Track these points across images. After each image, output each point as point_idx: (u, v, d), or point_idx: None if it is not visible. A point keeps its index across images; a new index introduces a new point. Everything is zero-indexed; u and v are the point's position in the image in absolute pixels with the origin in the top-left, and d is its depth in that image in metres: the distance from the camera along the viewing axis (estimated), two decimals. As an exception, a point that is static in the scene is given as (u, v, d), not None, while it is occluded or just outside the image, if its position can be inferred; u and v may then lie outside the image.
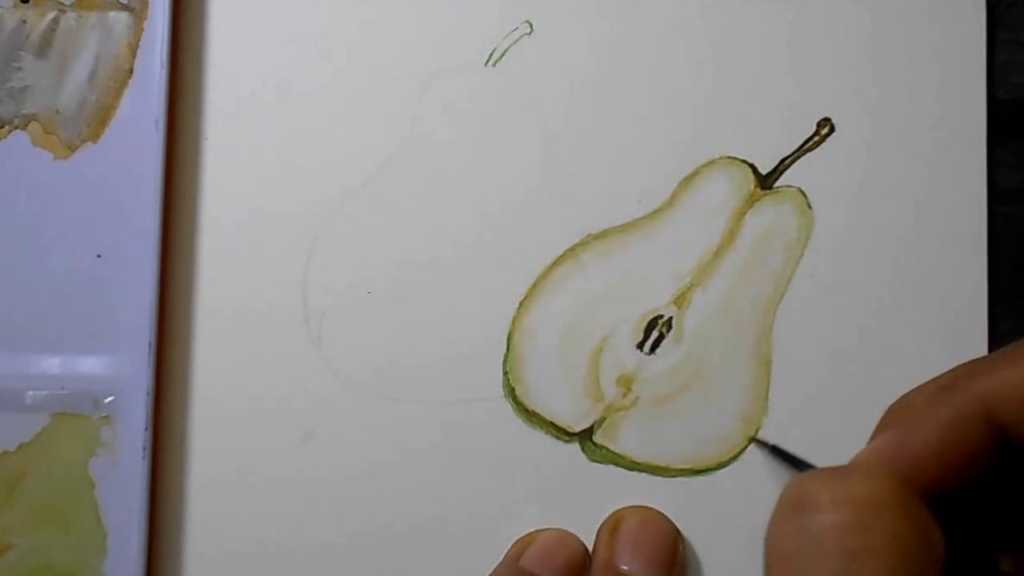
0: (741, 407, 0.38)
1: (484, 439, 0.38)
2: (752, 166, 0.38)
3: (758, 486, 0.37)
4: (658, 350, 0.38)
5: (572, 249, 0.38)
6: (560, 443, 0.38)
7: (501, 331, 0.38)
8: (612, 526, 0.36)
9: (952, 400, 0.21)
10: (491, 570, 0.36)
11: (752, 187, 0.38)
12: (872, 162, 0.38)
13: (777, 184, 0.38)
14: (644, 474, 0.38)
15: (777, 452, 0.24)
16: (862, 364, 0.38)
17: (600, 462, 0.38)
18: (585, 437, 0.38)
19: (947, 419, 0.21)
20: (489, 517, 0.38)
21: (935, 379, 0.23)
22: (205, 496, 0.38)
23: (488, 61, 0.39)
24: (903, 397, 0.23)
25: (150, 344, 0.37)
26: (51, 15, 0.38)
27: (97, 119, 0.38)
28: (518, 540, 0.37)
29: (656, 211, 0.38)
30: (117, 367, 0.37)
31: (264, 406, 0.38)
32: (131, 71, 0.38)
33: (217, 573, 0.38)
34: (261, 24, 0.39)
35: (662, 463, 0.38)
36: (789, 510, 0.20)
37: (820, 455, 0.28)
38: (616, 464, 0.38)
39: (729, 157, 0.38)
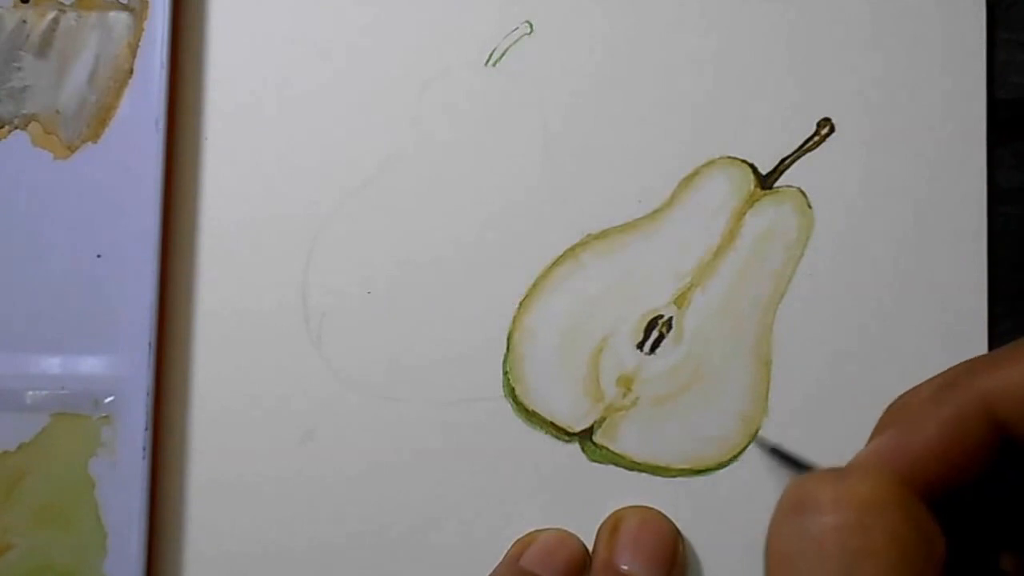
0: (741, 407, 0.38)
1: (484, 439, 0.38)
2: (752, 166, 0.38)
3: (758, 486, 0.37)
4: (658, 350, 0.38)
5: (572, 249, 0.38)
6: (560, 443, 0.38)
7: (501, 331, 0.38)
8: (612, 526, 0.36)
9: (953, 398, 0.21)
10: (491, 570, 0.36)
11: (752, 187, 0.38)
12: (872, 162, 0.38)
13: (777, 184, 0.38)
14: (644, 474, 0.38)
15: (777, 453, 0.24)
16: (862, 364, 0.38)
17: (600, 462, 0.38)
18: (585, 437, 0.38)
19: (948, 417, 0.21)
20: (489, 517, 0.38)
21: (935, 378, 0.23)
22: (205, 496, 0.38)
23: (488, 61, 0.39)
24: (902, 396, 0.23)
25: (150, 344, 0.37)
26: (51, 15, 0.38)
27: (97, 119, 0.38)
28: (518, 540, 0.37)
29: (656, 211, 0.38)
30: (117, 367, 0.37)
31: (264, 406, 0.38)
32: (131, 71, 0.38)
33: (217, 573, 0.38)
34: (261, 24, 0.39)
35: (662, 463, 0.38)
36: (789, 511, 0.20)
37: (820, 455, 0.28)
38: (616, 464, 0.38)
39: (729, 157, 0.38)
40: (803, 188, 0.38)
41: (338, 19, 0.39)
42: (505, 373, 0.38)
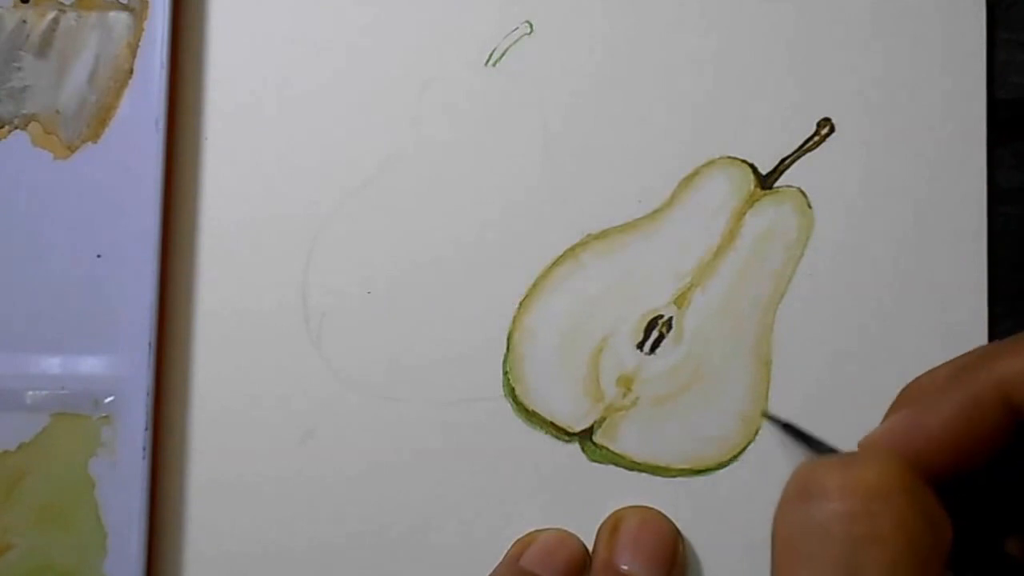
0: (741, 407, 0.38)
1: (484, 439, 0.38)
2: (752, 166, 0.38)
3: (758, 486, 0.37)
4: (658, 350, 0.38)
5: (572, 249, 0.38)
6: (560, 443, 0.38)
7: (501, 331, 0.38)
8: (612, 526, 0.36)
9: (969, 382, 0.21)
10: (491, 570, 0.36)
11: (752, 187, 0.38)
12: (872, 162, 0.38)
13: (777, 184, 0.38)
14: (644, 474, 0.38)
15: (790, 429, 0.24)
16: (862, 364, 0.38)
17: (600, 462, 0.38)
18: (585, 437, 0.38)
19: (963, 400, 0.21)
20: (489, 517, 0.38)
21: (951, 361, 0.23)
22: (205, 496, 0.38)
23: (488, 61, 0.39)
24: (918, 378, 0.23)
25: (150, 344, 0.37)
26: (51, 15, 0.38)
27: (97, 119, 0.38)
28: (518, 540, 0.37)
29: (656, 211, 0.38)
30: (117, 367, 0.37)
31: (264, 406, 0.38)
32: (131, 71, 0.38)
33: (217, 573, 0.38)
34: (261, 24, 0.39)
35: (662, 463, 0.38)
36: (796, 497, 0.20)
37: (823, 438, 0.28)
38: (616, 464, 0.38)
39: (729, 157, 0.38)
40: (803, 188, 0.38)
41: (338, 19, 0.39)
42: (505, 373, 0.38)
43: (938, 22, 0.38)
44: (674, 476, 0.38)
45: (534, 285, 0.38)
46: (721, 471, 0.37)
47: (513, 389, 0.38)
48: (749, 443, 0.37)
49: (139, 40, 0.38)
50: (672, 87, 0.38)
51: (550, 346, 0.38)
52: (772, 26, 0.39)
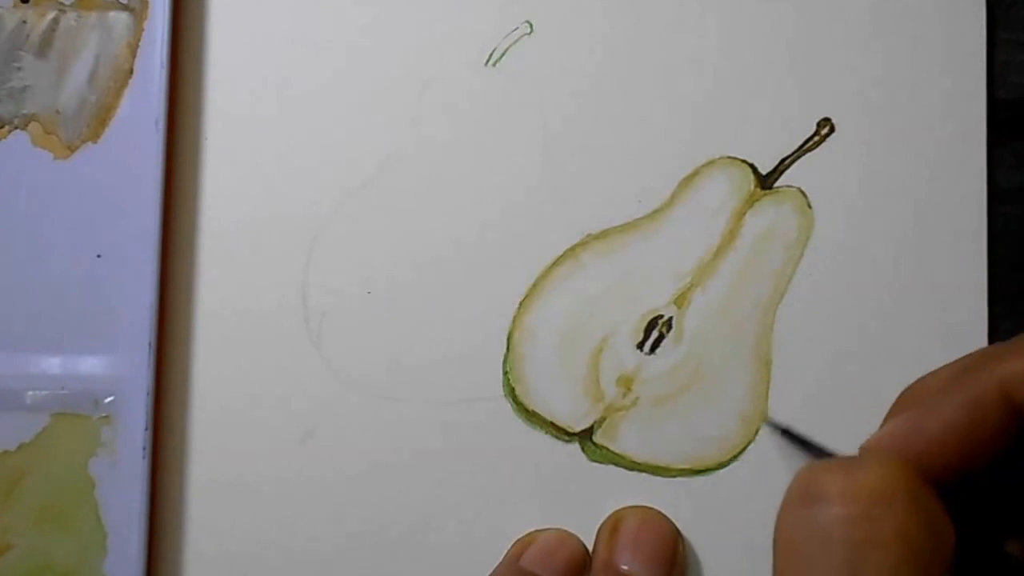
0: (741, 407, 0.38)
1: (484, 439, 0.38)
2: (752, 166, 0.38)
3: (758, 486, 0.37)
4: (658, 350, 0.38)
5: (572, 249, 0.38)
6: (560, 443, 0.38)
7: (501, 331, 0.38)
8: (612, 526, 0.36)
9: (971, 382, 0.21)
10: (491, 570, 0.36)
11: (752, 187, 0.38)
12: (872, 162, 0.38)
13: (777, 184, 0.38)
14: (644, 474, 0.38)
15: (788, 435, 0.24)
16: (862, 364, 0.38)
17: (600, 462, 0.38)
18: (585, 437, 0.38)
19: (965, 401, 0.21)
20: (489, 517, 0.38)
21: (953, 363, 0.23)
22: (205, 496, 0.38)
23: (488, 61, 0.39)
24: (918, 380, 0.23)
25: (150, 344, 0.37)
26: (51, 15, 0.38)
27: (97, 119, 0.38)
28: (518, 540, 0.37)
29: (656, 211, 0.38)
30: (117, 367, 0.37)
31: (264, 406, 0.38)
32: (131, 71, 0.38)
33: (217, 573, 0.38)
34: (261, 24, 0.39)
35: (662, 463, 0.38)
36: (797, 501, 0.20)
37: (822, 443, 0.28)
38: (616, 464, 0.38)
39: (729, 157, 0.38)
40: (803, 188, 0.38)
41: (338, 19, 0.39)
42: (505, 373, 0.38)
43: (938, 22, 0.38)
44: (674, 476, 0.38)
45: (534, 285, 0.38)
46: (721, 471, 0.37)
47: (513, 389, 0.38)
48: (749, 443, 0.37)
49: (139, 40, 0.38)
50: (672, 87, 0.38)
51: (550, 346, 0.38)
52: (772, 26, 0.39)
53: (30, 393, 0.37)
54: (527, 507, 0.38)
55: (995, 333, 0.38)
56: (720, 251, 0.38)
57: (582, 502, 0.37)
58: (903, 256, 0.38)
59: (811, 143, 0.38)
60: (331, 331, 0.38)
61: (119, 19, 0.38)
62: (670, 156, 0.38)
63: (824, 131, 0.38)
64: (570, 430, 0.38)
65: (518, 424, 0.38)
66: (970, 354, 0.22)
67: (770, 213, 0.38)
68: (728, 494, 0.37)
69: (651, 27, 0.39)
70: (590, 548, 0.37)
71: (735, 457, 0.37)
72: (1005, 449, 0.21)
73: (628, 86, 0.39)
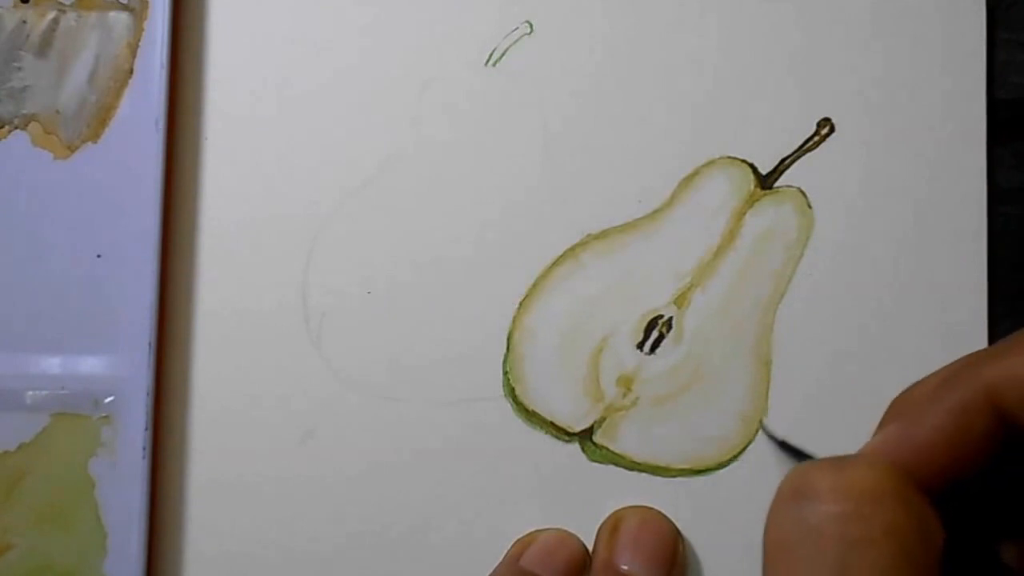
0: (741, 407, 0.38)
1: (484, 439, 0.38)
2: (752, 166, 0.38)
3: (758, 486, 0.37)
4: (658, 350, 0.38)
5: (572, 249, 0.38)
6: (560, 443, 0.38)
7: (501, 331, 0.38)
8: (612, 526, 0.36)
9: (957, 389, 0.21)
10: (491, 570, 0.36)
11: (752, 187, 0.38)
12: (872, 162, 0.38)
13: (777, 184, 0.38)
14: (644, 474, 0.38)
15: (786, 447, 0.24)
16: (862, 364, 0.38)
17: (600, 462, 0.38)
18: (585, 437, 0.38)
19: (952, 408, 0.21)
20: (489, 517, 0.38)
21: (939, 371, 0.23)
22: (205, 496, 0.38)
23: (488, 61, 0.39)
24: (906, 390, 0.23)
25: (150, 344, 0.37)
26: (51, 15, 0.38)
27: (97, 119, 0.38)
28: (518, 540, 0.37)
29: (656, 211, 0.38)
30: (117, 367, 0.37)
31: (264, 406, 0.38)
32: (131, 71, 0.38)
33: (217, 573, 0.38)
34: (261, 24, 0.39)
35: (662, 463, 0.38)
36: (788, 498, 0.20)
37: (820, 455, 0.28)
38: (616, 464, 0.38)
39: (729, 157, 0.38)
40: (803, 188, 0.38)
41: (338, 19, 0.39)
42: (505, 373, 0.38)
43: (938, 22, 0.38)
44: (674, 476, 0.38)
45: (534, 285, 0.38)
46: (721, 471, 0.37)
47: (513, 389, 0.38)
48: (749, 443, 0.37)
49: (139, 40, 0.38)
50: (672, 87, 0.38)
51: (550, 346, 0.38)
52: (772, 26, 0.39)
53: (30, 393, 0.37)
54: (527, 507, 0.38)
55: (995, 333, 0.38)
56: (720, 251, 0.38)
57: (582, 502, 0.37)
58: (903, 256, 0.38)
59: (811, 143, 0.38)
60: (331, 331, 0.38)
61: (119, 19, 0.38)
62: (670, 156, 0.38)
63: (824, 131, 0.38)
64: (570, 430, 0.38)
65: (518, 424, 0.38)
66: (954, 362, 0.22)
67: (770, 213, 0.38)
68: (728, 494, 0.37)
69: (651, 27, 0.39)
70: (590, 548, 0.37)
71: (735, 457, 0.37)
72: (993, 454, 0.21)
73: (628, 86, 0.39)
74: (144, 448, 0.36)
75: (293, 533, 0.38)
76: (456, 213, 0.38)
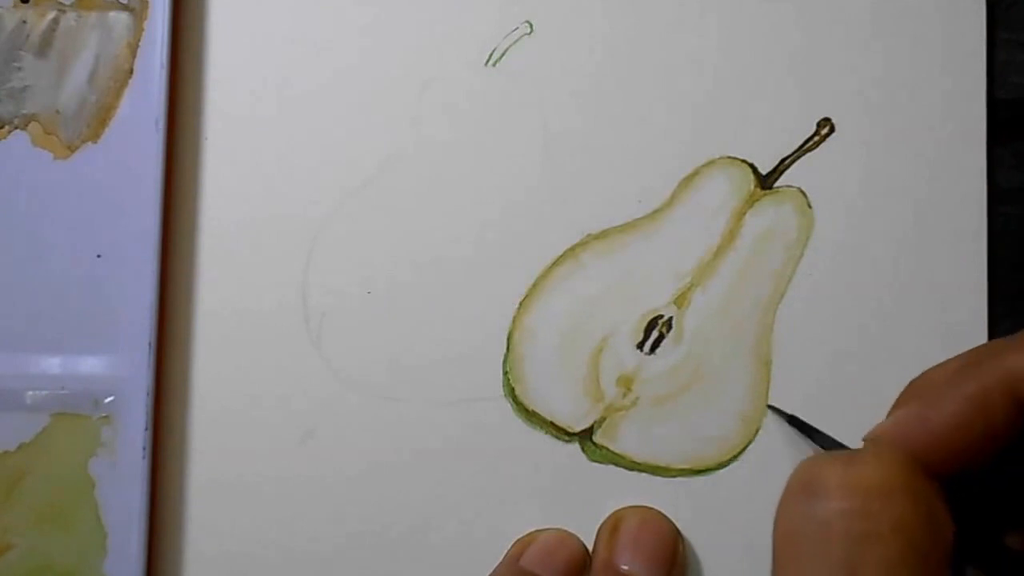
0: (741, 407, 0.38)
1: (484, 439, 0.38)
2: (752, 166, 0.38)
3: (758, 486, 0.37)
4: (658, 350, 0.38)
5: (572, 249, 0.38)
6: (560, 443, 0.38)
7: (501, 331, 0.38)
8: (612, 526, 0.36)
9: (977, 376, 0.21)
10: (491, 570, 0.36)
11: (752, 187, 0.38)
12: (872, 162, 0.38)
13: (777, 184, 0.38)
14: (644, 474, 0.38)
15: (796, 422, 0.24)
16: (862, 364, 0.38)
17: (600, 462, 0.38)
18: (585, 437, 0.38)
19: (971, 394, 0.21)
20: (489, 517, 0.38)
21: (957, 356, 0.23)
22: (205, 496, 0.38)
23: (488, 61, 0.39)
24: (927, 372, 0.23)
25: (150, 344, 0.37)
26: (51, 15, 0.38)
27: (97, 119, 0.38)
28: (518, 540, 0.37)
29: (656, 211, 0.38)
30: (117, 367, 0.37)
31: (264, 406, 0.38)
32: (131, 71, 0.38)
33: (217, 573, 0.38)
34: (261, 24, 0.39)
35: (662, 463, 0.38)
36: (798, 493, 0.20)
37: (828, 432, 0.28)
38: (616, 464, 0.38)
39: (729, 157, 0.38)
40: (803, 188, 0.38)
41: (338, 19, 0.39)
42: (505, 373, 0.38)
43: (938, 22, 0.38)
44: (674, 476, 0.38)
45: (534, 285, 0.38)
46: (721, 471, 0.37)
47: (513, 389, 0.38)
48: (749, 443, 0.37)
49: (139, 40, 0.38)
50: (672, 87, 0.38)
51: (550, 346, 0.38)
52: (772, 26, 0.39)
53: (30, 393, 0.37)
54: (527, 507, 0.38)
55: (995, 333, 0.38)
56: (720, 251, 0.38)
57: (582, 502, 0.37)
58: (903, 256, 0.38)
59: (811, 143, 0.38)
60: (331, 331, 0.38)
61: (119, 19, 0.38)
62: (670, 156, 0.38)
63: (824, 131, 0.38)
64: (570, 430, 0.38)
65: (518, 424, 0.38)
66: (977, 347, 0.22)
67: (770, 213, 0.38)
68: (728, 494, 0.37)
69: (651, 27, 0.39)
70: (590, 548, 0.37)
71: (735, 457, 0.37)
72: (1009, 443, 0.21)
73: (628, 86, 0.39)
74: (144, 448, 0.36)
75: (293, 533, 0.38)
76: (456, 213, 0.38)
